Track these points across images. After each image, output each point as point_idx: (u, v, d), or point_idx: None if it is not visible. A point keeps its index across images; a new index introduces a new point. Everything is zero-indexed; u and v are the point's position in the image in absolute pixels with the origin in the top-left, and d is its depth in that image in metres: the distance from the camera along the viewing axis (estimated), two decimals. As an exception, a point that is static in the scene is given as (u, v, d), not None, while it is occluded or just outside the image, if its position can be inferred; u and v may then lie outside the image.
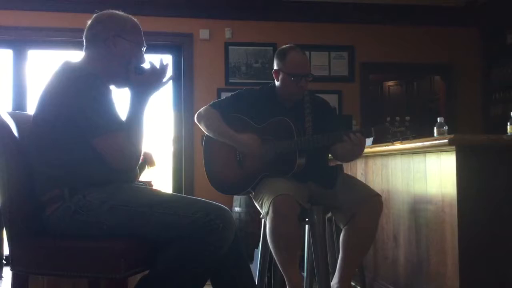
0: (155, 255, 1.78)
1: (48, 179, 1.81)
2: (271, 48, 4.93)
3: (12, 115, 1.94)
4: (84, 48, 1.98)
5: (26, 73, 4.85)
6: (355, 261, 2.48)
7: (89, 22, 1.98)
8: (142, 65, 1.97)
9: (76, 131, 1.77)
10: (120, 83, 1.96)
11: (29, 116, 2.02)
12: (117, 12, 2.00)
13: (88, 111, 1.76)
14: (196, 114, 2.64)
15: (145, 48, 2.01)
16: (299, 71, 2.51)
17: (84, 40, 1.97)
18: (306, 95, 2.64)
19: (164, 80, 1.96)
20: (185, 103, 4.97)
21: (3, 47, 4.87)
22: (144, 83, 1.91)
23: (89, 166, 1.81)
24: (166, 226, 1.75)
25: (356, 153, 2.47)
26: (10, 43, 4.83)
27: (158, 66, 1.94)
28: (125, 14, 2.00)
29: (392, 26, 5.26)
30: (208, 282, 1.92)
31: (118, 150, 1.79)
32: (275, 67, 2.60)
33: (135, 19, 2.01)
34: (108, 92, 1.85)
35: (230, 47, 5.05)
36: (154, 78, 1.92)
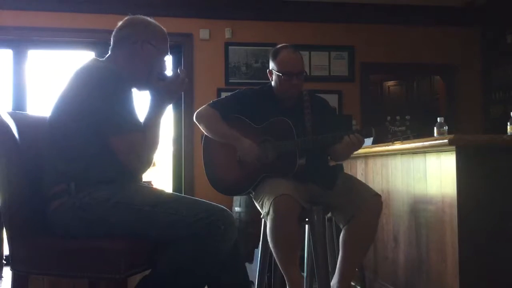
0: (156, 255, 1.78)
1: (57, 174, 1.82)
2: (271, 48, 4.90)
3: (12, 115, 1.94)
4: (110, 48, 2.02)
5: (26, 73, 4.85)
6: (355, 261, 2.47)
7: (120, 23, 2.03)
8: (165, 72, 2.01)
9: (94, 128, 1.79)
10: (141, 86, 2.00)
11: (29, 116, 2.02)
12: (149, 18, 2.05)
13: (111, 109, 1.78)
14: (195, 114, 2.63)
15: (168, 58, 2.06)
16: (290, 69, 2.51)
17: (112, 40, 2.02)
18: (306, 95, 2.63)
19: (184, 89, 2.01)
20: (185, 103, 4.96)
21: (3, 47, 4.87)
22: (165, 90, 1.95)
23: (100, 163, 1.82)
24: (168, 226, 1.76)
25: (351, 152, 2.49)
26: (10, 43, 4.83)
27: (178, 75, 1.98)
28: (156, 22, 2.06)
29: (392, 26, 5.26)
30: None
31: (134, 150, 1.82)
32: (269, 67, 2.61)
33: (164, 28, 2.06)
34: (130, 92, 1.88)
35: (230, 47, 5.05)
36: (174, 85, 1.97)
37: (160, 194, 1.92)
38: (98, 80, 1.82)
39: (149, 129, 1.89)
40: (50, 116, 1.90)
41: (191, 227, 1.74)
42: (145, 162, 1.88)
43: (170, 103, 2.00)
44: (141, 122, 1.89)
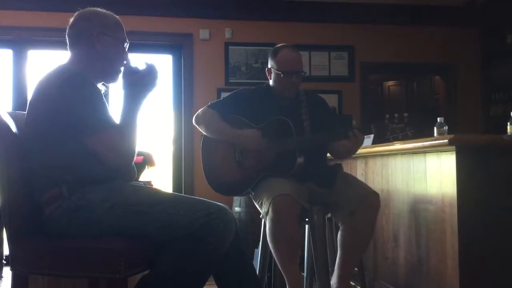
0: (156, 255, 1.78)
1: (46, 178, 1.81)
2: (271, 48, 4.90)
3: (12, 115, 1.94)
4: (68, 47, 1.99)
5: (26, 73, 4.85)
6: (353, 259, 2.47)
7: (71, 20, 1.99)
8: (135, 65, 1.95)
9: (68, 131, 1.77)
10: (108, 79, 1.98)
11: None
12: (99, 9, 2.01)
13: (77, 111, 1.76)
14: (194, 117, 2.63)
15: (127, 45, 2.01)
16: (289, 68, 2.52)
17: (67, 39, 1.99)
18: (302, 95, 2.64)
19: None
20: (185, 103, 4.96)
21: (3, 47, 4.87)
22: (139, 82, 1.89)
23: (85, 164, 1.80)
24: (167, 225, 1.75)
25: (353, 150, 2.49)
26: (10, 43, 4.83)
27: (152, 67, 1.91)
28: (108, 12, 2.01)
29: (392, 26, 5.26)
30: (211, 282, 1.93)
31: (111, 148, 1.78)
32: (268, 65, 2.61)
33: (117, 16, 2.02)
34: (96, 91, 1.85)
35: (230, 47, 5.05)
36: (149, 78, 1.90)
37: (157, 194, 1.91)
38: (59, 86, 1.79)
39: (127, 123, 1.84)
40: (25, 125, 1.87)
41: (189, 226, 1.74)
42: (125, 157, 1.83)
43: (146, 96, 1.91)
44: (113, 119, 1.85)
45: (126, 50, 2.00)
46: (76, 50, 1.97)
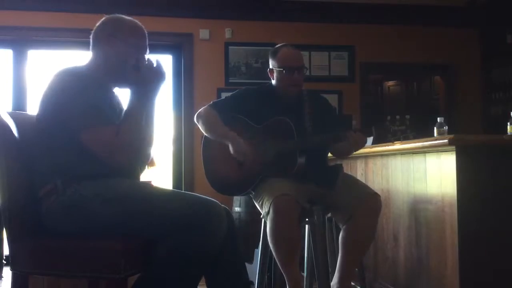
0: (154, 251, 1.78)
1: (43, 175, 1.83)
2: (271, 48, 4.90)
3: (12, 115, 1.94)
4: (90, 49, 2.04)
5: (26, 73, 4.85)
6: (354, 260, 2.47)
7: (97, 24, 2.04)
8: (140, 63, 1.96)
9: (65, 126, 1.79)
10: (120, 83, 1.99)
11: (29, 116, 2.03)
12: (123, 16, 2.03)
13: (74, 107, 1.78)
14: (195, 115, 2.64)
15: (143, 51, 2.01)
16: (291, 63, 2.53)
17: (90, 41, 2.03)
18: (305, 94, 2.64)
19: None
20: (185, 103, 4.96)
21: (3, 47, 4.87)
22: (141, 80, 1.90)
23: (82, 160, 1.81)
24: (162, 219, 1.77)
25: (353, 150, 2.50)
26: (10, 43, 4.83)
27: (155, 65, 1.93)
28: (130, 18, 2.03)
29: (392, 26, 5.26)
30: (203, 283, 1.93)
31: (104, 145, 1.78)
32: (269, 66, 2.62)
33: (139, 24, 2.03)
34: (100, 90, 1.87)
35: (230, 47, 5.05)
36: (151, 74, 1.91)
37: (151, 188, 1.93)
38: (60, 83, 1.83)
39: (127, 122, 1.83)
40: (34, 122, 1.91)
41: (184, 219, 1.75)
42: (122, 155, 1.81)
43: (153, 94, 1.91)
44: (112, 118, 1.85)
45: (139, 56, 1.98)
46: (93, 51, 2.01)
